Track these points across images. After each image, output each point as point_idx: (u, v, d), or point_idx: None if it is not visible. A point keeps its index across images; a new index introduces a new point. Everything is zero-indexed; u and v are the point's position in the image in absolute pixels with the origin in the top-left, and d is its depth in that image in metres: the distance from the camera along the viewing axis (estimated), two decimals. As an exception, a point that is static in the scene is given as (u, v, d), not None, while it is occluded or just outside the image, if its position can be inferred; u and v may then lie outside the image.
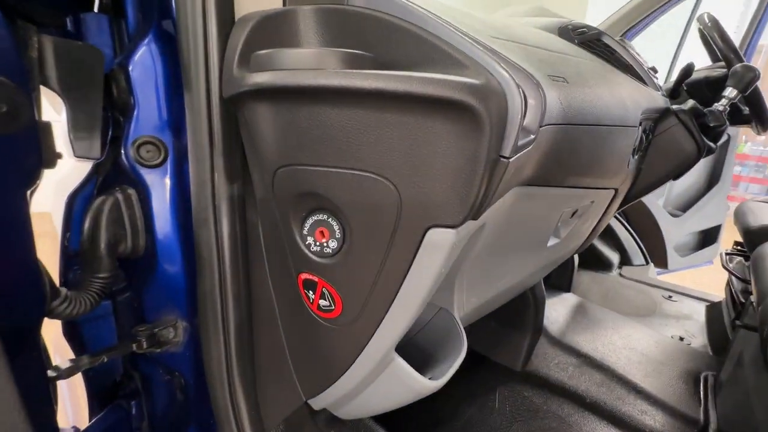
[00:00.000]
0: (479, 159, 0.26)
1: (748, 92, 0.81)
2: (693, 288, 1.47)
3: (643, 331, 1.05)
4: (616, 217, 1.71)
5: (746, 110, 1.00)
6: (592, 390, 0.85)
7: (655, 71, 0.79)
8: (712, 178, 2.04)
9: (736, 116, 1.01)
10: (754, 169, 4.62)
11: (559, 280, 1.20)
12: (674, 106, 0.84)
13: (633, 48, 0.82)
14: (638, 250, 1.68)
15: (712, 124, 0.81)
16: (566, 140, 0.43)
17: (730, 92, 0.82)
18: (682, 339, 1.10)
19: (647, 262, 1.66)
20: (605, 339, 1.00)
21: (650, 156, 0.85)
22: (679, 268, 1.98)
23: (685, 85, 1.08)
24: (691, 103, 0.84)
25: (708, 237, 2.03)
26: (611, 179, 0.63)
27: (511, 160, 0.30)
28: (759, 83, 0.87)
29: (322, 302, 0.40)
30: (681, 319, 1.22)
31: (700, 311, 1.27)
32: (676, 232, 1.93)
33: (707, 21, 0.95)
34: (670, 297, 1.36)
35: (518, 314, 0.97)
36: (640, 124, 0.63)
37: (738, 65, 0.81)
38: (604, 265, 1.57)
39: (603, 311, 1.15)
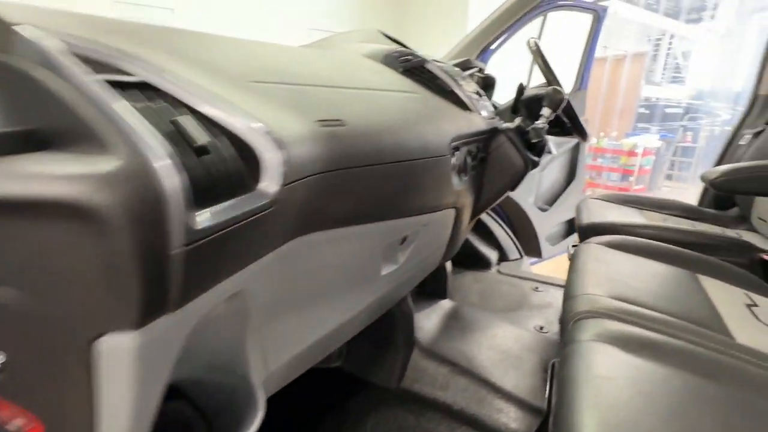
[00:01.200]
0: (129, 258, 0.22)
1: (560, 111, 0.93)
2: (558, 277, 1.66)
3: (508, 328, 1.14)
4: (493, 218, 1.87)
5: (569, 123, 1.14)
6: (458, 397, 0.89)
7: (481, 95, 0.85)
8: (570, 175, 2.35)
9: (564, 128, 1.15)
10: (611, 160, 5.49)
11: (435, 287, 1.25)
12: (504, 125, 0.92)
13: (458, 74, 0.87)
14: (513, 246, 1.85)
15: (534, 140, 0.90)
16: (346, 183, 0.41)
17: (545, 111, 0.92)
18: (542, 328, 1.23)
19: (521, 256, 1.84)
20: (474, 342, 1.06)
21: (489, 171, 0.91)
22: (550, 256, 2.24)
23: (522, 102, 1.20)
24: (517, 121, 0.92)
25: (571, 226, 2.34)
26: (437, 202, 0.65)
27: (191, 247, 0.25)
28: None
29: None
30: (543, 308, 1.36)
31: (560, 299, 1.43)
32: (545, 224, 2.19)
33: (532, 47, 1.06)
34: (537, 288, 1.51)
35: (388, 332, 0.98)
36: (457, 149, 0.65)
37: (549, 88, 0.92)
38: (484, 263, 1.70)
39: (476, 313, 1.22)
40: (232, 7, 4.12)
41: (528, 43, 1.09)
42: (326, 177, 0.38)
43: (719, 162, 1.39)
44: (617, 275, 0.68)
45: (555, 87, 0.91)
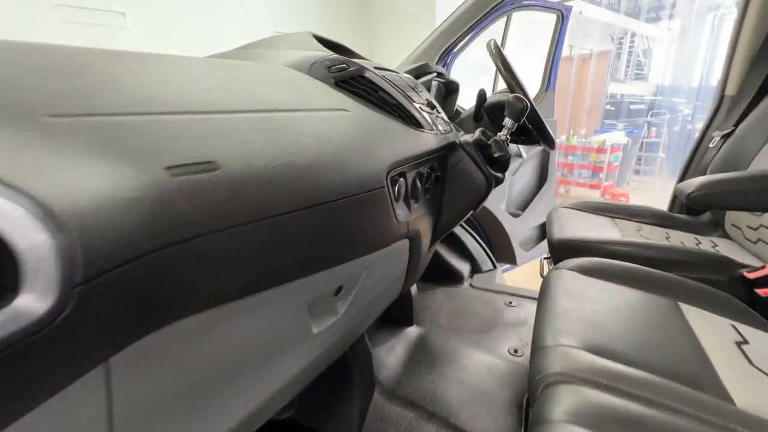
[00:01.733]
0: None
1: (523, 120, 0.84)
2: (532, 289, 1.59)
3: (479, 357, 1.05)
4: (464, 228, 1.79)
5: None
6: (424, 448, 0.78)
7: (434, 106, 0.75)
8: (541, 178, 2.30)
9: (530, 136, 1.07)
10: (581, 157, 5.57)
11: (400, 314, 1.15)
12: (462, 138, 0.81)
13: (409, 83, 0.77)
14: (486, 257, 1.76)
15: (496, 155, 0.80)
16: (224, 248, 0.30)
17: (507, 122, 0.83)
18: (516, 352, 1.14)
19: (494, 267, 1.76)
20: (442, 378, 0.95)
21: (448, 191, 0.81)
22: (525, 261, 2.18)
23: (484, 109, 1.11)
24: (477, 134, 0.82)
25: (544, 230, 2.29)
26: (378, 240, 0.54)
27: None
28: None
29: None
30: (518, 326, 1.28)
31: (534, 315, 1.35)
32: (518, 230, 2.13)
33: (492, 49, 0.97)
34: (510, 303, 1.43)
35: (344, 376, 0.86)
36: (401, 175, 0.54)
37: (510, 96, 0.82)
38: (455, 277, 1.60)
39: (445, 339, 1.12)
40: (187, 11, 3.90)
41: (487, 45, 1.00)
42: (185, 247, 0.26)
43: (688, 165, 1.34)
44: (593, 315, 0.59)
45: (516, 95, 0.82)
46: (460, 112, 1.31)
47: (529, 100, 0.94)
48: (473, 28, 1.56)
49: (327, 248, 0.44)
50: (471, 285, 1.60)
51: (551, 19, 2.15)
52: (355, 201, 0.44)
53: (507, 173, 2.29)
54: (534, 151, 2.16)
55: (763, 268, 0.78)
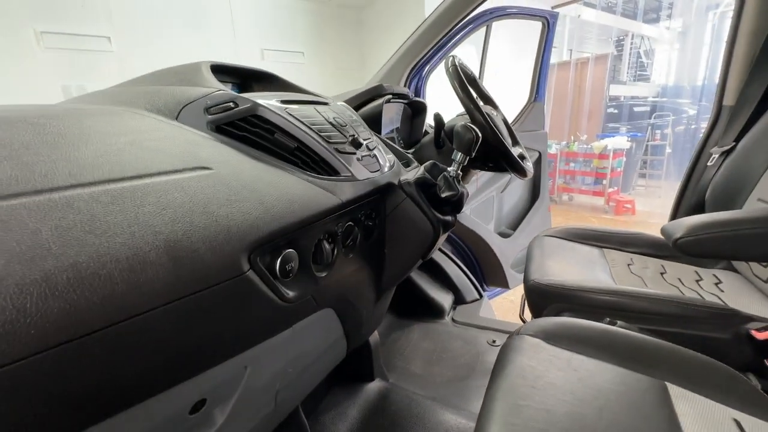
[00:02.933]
0: None
1: (474, 153, 0.71)
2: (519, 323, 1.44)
3: (447, 420, 0.90)
4: (447, 255, 1.65)
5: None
6: None
7: (361, 142, 0.62)
8: (533, 194, 2.16)
9: (499, 164, 0.94)
10: (583, 164, 5.40)
11: (357, 369, 1.01)
12: (402, 177, 0.69)
13: (342, 114, 0.65)
14: (471, 286, 1.62)
15: (443, 195, 0.68)
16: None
17: (456, 155, 0.71)
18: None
19: (480, 296, 1.62)
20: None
21: (391, 236, 0.68)
22: (518, 284, 2.03)
23: (445, 134, 0.99)
24: (420, 171, 0.70)
25: (538, 250, 2.14)
26: (247, 336, 0.42)
27: None
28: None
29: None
30: (499, 373, 1.14)
31: None
32: (510, 251, 1.98)
33: (449, 67, 0.85)
34: (494, 342, 1.28)
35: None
36: (277, 249, 0.42)
37: (459, 126, 0.70)
38: (436, 311, 1.47)
39: (410, 396, 0.98)
40: (175, 32, 3.87)
41: (445, 62, 0.88)
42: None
43: (685, 186, 1.20)
44: (546, 421, 0.45)
45: (465, 124, 0.69)
46: (427, 132, 1.19)
47: (489, 125, 0.82)
48: (444, 41, 1.45)
49: (153, 370, 0.32)
50: (453, 319, 1.46)
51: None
52: (194, 301, 0.32)
53: (495, 191, 2.15)
54: (523, 167, 2.02)
55: (774, 325, 0.63)
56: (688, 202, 1.18)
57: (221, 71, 0.68)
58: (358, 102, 0.96)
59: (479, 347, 1.27)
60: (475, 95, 0.83)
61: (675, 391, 0.52)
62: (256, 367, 0.45)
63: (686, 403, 0.50)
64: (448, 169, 0.71)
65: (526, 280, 0.93)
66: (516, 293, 2.24)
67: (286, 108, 0.56)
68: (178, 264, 0.31)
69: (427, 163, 0.72)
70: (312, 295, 0.50)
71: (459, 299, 1.57)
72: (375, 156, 0.66)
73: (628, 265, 1.00)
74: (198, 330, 0.34)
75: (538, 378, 0.52)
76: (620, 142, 5.36)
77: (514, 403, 0.48)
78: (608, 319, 0.73)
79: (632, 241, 1.11)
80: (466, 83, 0.83)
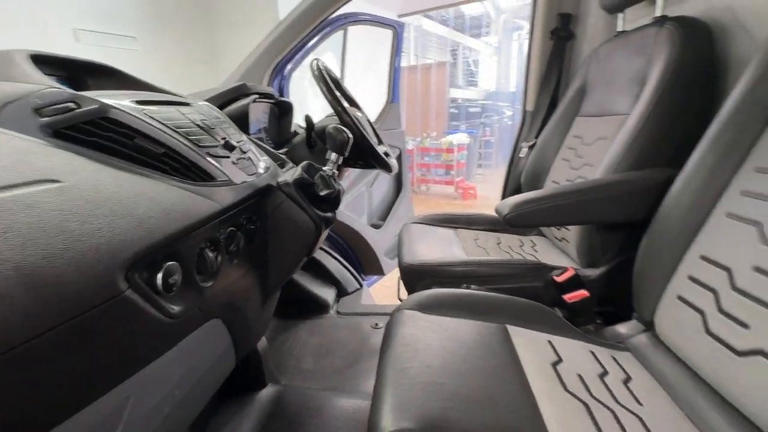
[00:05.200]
0: None
1: (347, 152, 0.77)
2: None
3: (342, 404, 0.96)
4: (326, 251, 1.70)
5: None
6: None
7: (234, 144, 0.61)
8: (398, 187, 2.38)
9: (368, 161, 1.02)
10: (435, 157, 6.15)
11: (248, 378, 0.98)
12: (281, 178, 0.70)
13: (208, 115, 0.62)
14: (351, 277, 1.71)
15: (321, 194, 0.71)
16: None
17: (330, 155, 0.76)
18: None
19: (360, 286, 1.72)
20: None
21: (274, 237, 0.68)
22: (392, 269, 2.22)
23: (316, 135, 1.02)
24: (298, 171, 0.72)
25: (406, 237, 2.38)
26: (129, 361, 0.39)
27: None
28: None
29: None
30: (384, 351, 1.25)
31: None
32: (382, 240, 2.15)
33: (314, 70, 0.88)
34: (377, 325, 1.40)
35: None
36: (155, 264, 0.39)
37: (331, 127, 0.75)
38: (321, 306, 1.50)
39: (305, 392, 1.00)
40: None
41: (311, 65, 0.91)
42: None
43: (508, 174, 1.52)
44: (429, 374, 0.55)
45: (336, 126, 0.74)
46: (297, 133, 1.20)
47: (357, 126, 0.89)
48: (305, 41, 1.47)
49: (19, 419, 0.27)
50: (338, 311, 1.52)
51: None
52: (67, 330, 0.28)
53: (365, 186, 2.28)
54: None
55: (567, 270, 0.89)
56: (511, 185, 1.50)
57: (42, 62, 0.57)
58: (221, 101, 0.91)
59: (364, 332, 1.36)
60: (341, 97, 0.88)
61: (512, 330, 0.68)
62: (141, 395, 0.41)
63: (519, 337, 0.67)
64: (324, 168, 0.75)
65: (400, 264, 1.05)
66: (390, 279, 2.45)
67: (144, 110, 0.51)
68: (38, 293, 0.27)
69: (304, 163, 0.74)
70: (198, 307, 0.48)
71: (341, 291, 1.64)
72: (250, 158, 0.65)
73: (475, 240, 1.22)
74: (74, 363, 0.30)
75: (418, 341, 0.62)
76: (462, 138, 6.29)
77: (402, 367, 0.56)
78: (465, 285, 0.89)
79: (476, 220, 1.36)
80: (332, 86, 0.88)
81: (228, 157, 0.58)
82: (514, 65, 10.28)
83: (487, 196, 5.77)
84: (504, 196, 1.56)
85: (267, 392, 0.98)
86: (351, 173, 1.97)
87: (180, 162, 0.49)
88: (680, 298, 0.62)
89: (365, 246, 2.02)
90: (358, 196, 2.09)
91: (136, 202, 0.39)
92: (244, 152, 0.64)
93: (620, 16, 1.11)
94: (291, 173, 0.72)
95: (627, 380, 0.61)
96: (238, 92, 0.96)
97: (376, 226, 2.16)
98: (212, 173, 0.53)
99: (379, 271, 2.13)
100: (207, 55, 4.51)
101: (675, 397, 0.58)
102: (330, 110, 0.94)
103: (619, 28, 1.11)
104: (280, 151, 1.02)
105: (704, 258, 0.60)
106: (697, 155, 0.66)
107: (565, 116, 1.23)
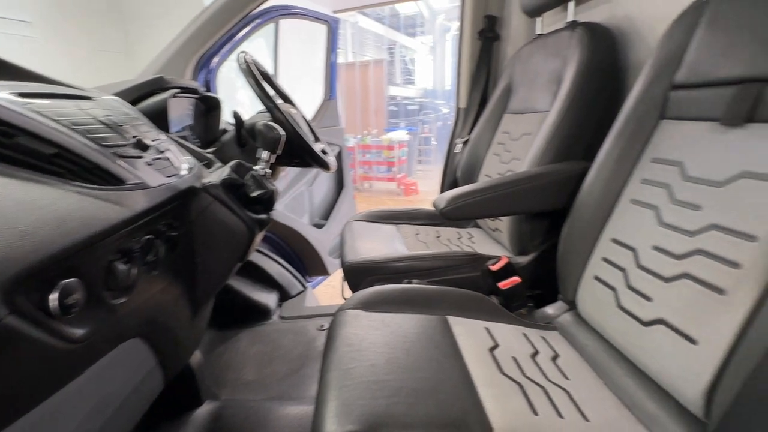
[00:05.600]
0: None
1: (280, 150, 0.74)
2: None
3: (288, 413, 0.92)
4: (266, 255, 1.63)
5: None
6: None
7: (148, 144, 0.55)
8: (339, 185, 2.36)
9: (303, 160, 0.99)
10: (376, 154, 6.20)
11: (185, 397, 0.90)
12: (206, 179, 0.65)
13: (115, 111, 0.55)
14: (294, 279, 1.66)
15: (253, 194, 0.67)
16: None
17: (262, 154, 0.72)
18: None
19: (304, 288, 1.68)
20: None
21: (201, 243, 0.63)
22: (337, 268, 2.20)
23: (247, 132, 0.97)
24: (227, 171, 0.67)
25: (349, 235, 2.37)
26: (22, 398, 0.33)
27: None
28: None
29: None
30: (331, 352, 1.23)
31: None
32: (325, 240, 2.11)
33: (242, 64, 0.82)
34: (322, 327, 1.37)
35: None
36: (47, 283, 0.34)
37: (261, 125, 0.71)
38: (263, 313, 1.43)
39: (245, 406, 0.95)
40: None
41: (238, 58, 0.85)
42: None
43: (445, 169, 1.57)
44: (373, 373, 0.54)
45: (267, 123, 0.71)
46: (225, 131, 1.13)
47: (290, 123, 0.86)
48: (233, 32, 1.38)
49: None
50: (281, 316, 1.46)
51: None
52: None
53: (305, 185, 2.22)
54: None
55: (501, 259, 0.94)
56: (448, 180, 1.56)
57: None
58: (134, 96, 0.82)
59: (309, 335, 1.33)
60: (272, 93, 0.84)
61: (452, 320, 0.70)
62: (46, 419, 0.35)
63: (459, 326, 0.69)
64: (255, 167, 0.71)
65: (343, 263, 1.04)
66: (336, 278, 2.42)
67: (29, 104, 0.44)
68: None
69: (232, 163, 0.70)
70: (110, 328, 0.42)
71: (284, 295, 1.58)
72: (168, 159, 0.59)
73: (416, 234, 1.24)
74: None
75: (362, 341, 0.61)
76: (402, 135, 6.40)
77: (345, 368, 0.55)
78: (406, 280, 0.90)
79: (416, 215, 1.39)
80: (261, 81, 0.83)
81: (141, 157, 0.52)
82: (449, 64, 10.70)
83: (428, 191, 5.95)
84: (442, 191, 1.62)
85: (204, 410, 0.91)
86: (289, 172, 1.91)
87: (78, 164, 0.43)
88: (596, 278, 0.69)
89: (308, 247, 1.97)
90: (298, 196, 2.02)
91: (18, 211, 0.33)
92: (161, 152, 0.58)
93: (539, 20, 1.19)
94: (218, 173, 0.67)
95: (555, 357, 0.66)
96: (155, 86, 0.87)
97: (319, 226, 2.12)
98: (120, 176, 0.47)
99: (324, 272, 2.09)
100: (120, 44, 4.06)
101: (596, 368, 0.64)
102: (262, 107, 0.89)
103: (538, 31, 1.20)
104: (208, 150, 0.95)
105: (614, 240, 0.67)
106: (605, 149, 0.73)
107: (494, 113, 1.29)
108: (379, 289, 0.77)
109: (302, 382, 1.08)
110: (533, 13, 1.15)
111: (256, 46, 1.73)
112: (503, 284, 0.87)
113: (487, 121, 1.31)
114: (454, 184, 1.51)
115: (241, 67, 0.83)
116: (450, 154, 1.54)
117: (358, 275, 0.98)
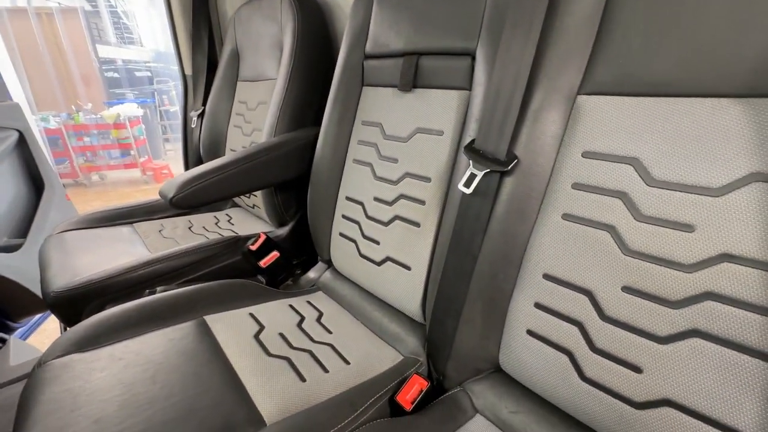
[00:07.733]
0: None
1: None
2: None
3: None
4: None
5: None
6: None
7: None
8: (37, 184, 1.69)
9: None
10: (100, 137, 4.82)
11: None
12: None
13: None
14: None
15: None
16: None
17: None
18: None
19: (3, 342, 1.16)
20: None
21: None
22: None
23: None
24: None
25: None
26: None
27: None
28: None
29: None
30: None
31: None
32: (27, 263, 1.50)
33: None
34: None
35: None
36: None
37: None
38: None
39: None
40: None
41: None
42: None
43: (185, 146, 1.36)
44: (100, 428, 0.41)
45: None
46: None
47: None
48: None
49: None
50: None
51: None
52: None
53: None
54: (-2, 153, 1.49)
55: (260, 237, 0.90)
56: (192, 159, 1.36)
57: None
58: None
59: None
60: None
61: (211, 319, 0.63)
62: None
63: (219, 323, 0.63)
64: None
65: (45, 295, 0.75)
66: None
67: None
68: None
69: None
70: None
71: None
72: None
73: (160, 231, 1.04)
74: None
75: (76, 397, 0.46)
76: (131, 108, 5.18)
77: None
78: (147, 290, 0.74)
79: (158, 207, 1.16)
80: None
81: None
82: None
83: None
84: (188, 173, 1.41)
85: None
86: None
87: None
88: (341, 234, 0.76)
89: (10, 287, 1.36)
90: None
91: None
92: None
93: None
94: None
95: (320, 317, 0.70)
96: None
97: (11, 248, 1.48)
98: None
99: (40, 308, 1.51)
100: None
101: (351, 310, 0.72)
102: None
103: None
104: None
105: (348, 198, 0.74)
106: (327, 114, 0.78)
107: (226, 81, 1.18)
108: (105, 315, 0.60)
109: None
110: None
111: None
112: (263, 262, 0.85)
113: (221, 90, 1.19)
114: (200, 164, 1.34)
115: None
116: (186, 130, 1.34)
117: (75, 305, 0.73)
